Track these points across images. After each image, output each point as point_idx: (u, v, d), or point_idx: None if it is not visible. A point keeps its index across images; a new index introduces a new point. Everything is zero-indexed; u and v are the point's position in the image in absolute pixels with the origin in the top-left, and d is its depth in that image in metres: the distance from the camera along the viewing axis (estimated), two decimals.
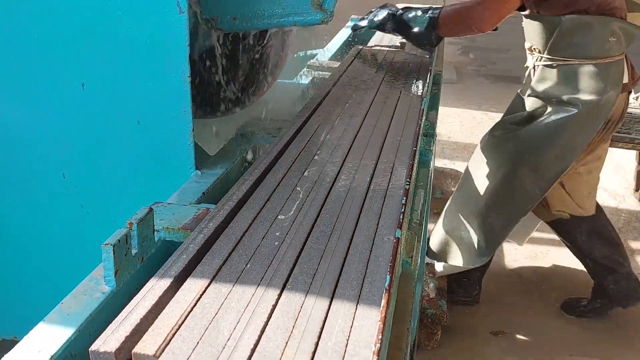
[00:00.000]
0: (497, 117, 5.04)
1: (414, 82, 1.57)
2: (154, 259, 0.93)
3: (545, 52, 2.01)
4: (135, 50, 1.11)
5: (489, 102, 5.48)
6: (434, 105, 1.64)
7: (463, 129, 4.81)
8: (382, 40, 2.18)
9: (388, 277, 0.69)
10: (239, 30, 1.27)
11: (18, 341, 0.72)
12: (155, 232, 0.93)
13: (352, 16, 2.70)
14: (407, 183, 0.94)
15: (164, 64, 1.11)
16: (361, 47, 1.98)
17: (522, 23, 2.11)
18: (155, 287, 0.70)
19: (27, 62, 1.17)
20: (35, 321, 0.78)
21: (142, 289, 0.71)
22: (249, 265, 0.73)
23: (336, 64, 1.90)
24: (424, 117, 1.29)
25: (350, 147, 1.12)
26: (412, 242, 0.91)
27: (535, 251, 3.07)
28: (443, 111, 4.93)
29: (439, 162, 3.99)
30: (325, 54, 2.08)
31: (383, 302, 0.65)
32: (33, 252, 1.34)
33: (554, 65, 2.01)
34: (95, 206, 1.26)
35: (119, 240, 0.81)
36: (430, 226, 3.17)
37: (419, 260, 1.00)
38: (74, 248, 1.30)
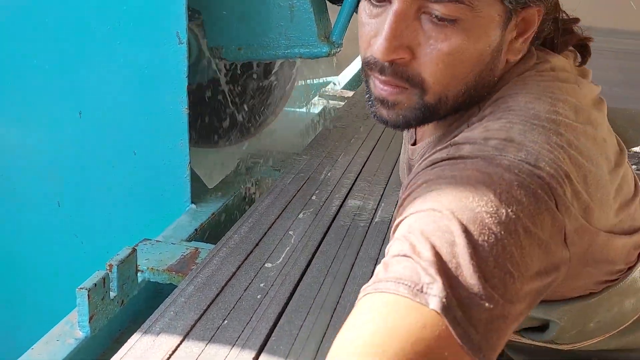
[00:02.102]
0: None
1: None
2: (136, 301, 0.88)
3: None
4: (133, 80, 1.08)
5: None
6: None
7: None
8: None
9: None
10: (244, 60, 1.24)
11: None
12: (140, 273, 0.89)
13: None
14: None
15: (162, 95, 1.08)
16: None
17: None
18: (136, 346, 0.65)
19: (25, 90, 1.15)
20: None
21: (124, 347, 0.65)
22: (226, 322, 0.68)
23: (349, 93, 1.85)
24: None
25: (352, 186, 1.07)
26: None
27: None
28: None
29: None
30: (339, 82, 2.03)
31: None
32: (26, 280, 1.30)
33: None
34: (89, 236, 1.22)
35: (95, 284, 0.77)
36: None
37: None
38: (67, 278, 1.26)
